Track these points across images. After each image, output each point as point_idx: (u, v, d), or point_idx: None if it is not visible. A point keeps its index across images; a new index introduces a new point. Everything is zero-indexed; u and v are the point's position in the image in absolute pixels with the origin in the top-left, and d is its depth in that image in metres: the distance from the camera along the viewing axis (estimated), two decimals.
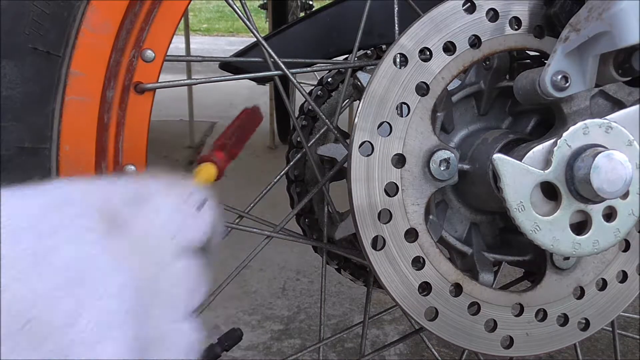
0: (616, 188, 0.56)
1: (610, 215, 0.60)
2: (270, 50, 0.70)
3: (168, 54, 0.63)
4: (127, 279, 0.32)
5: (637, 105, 0.61)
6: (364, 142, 0.61)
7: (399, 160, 0.62)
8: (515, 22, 0.64)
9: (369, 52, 1.01)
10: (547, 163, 0.58)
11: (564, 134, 0.58)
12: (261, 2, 4.21)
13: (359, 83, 0.84)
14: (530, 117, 0.72)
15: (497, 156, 0.57)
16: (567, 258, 0.68)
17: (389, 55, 0.61)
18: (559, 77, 0.59)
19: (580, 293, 0.69)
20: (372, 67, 0.78)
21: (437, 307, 0.64)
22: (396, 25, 0.73)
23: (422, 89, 0.62)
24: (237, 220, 0.72)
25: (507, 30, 0.64)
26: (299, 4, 3.40)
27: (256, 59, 0.73)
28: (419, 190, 0.62)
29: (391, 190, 0.62)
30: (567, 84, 0.59)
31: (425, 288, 0.64)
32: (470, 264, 0.69)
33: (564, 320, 0.69)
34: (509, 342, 0.67)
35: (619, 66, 0.61)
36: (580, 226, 0.60)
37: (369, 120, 0.61)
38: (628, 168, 0.56)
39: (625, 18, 0.55)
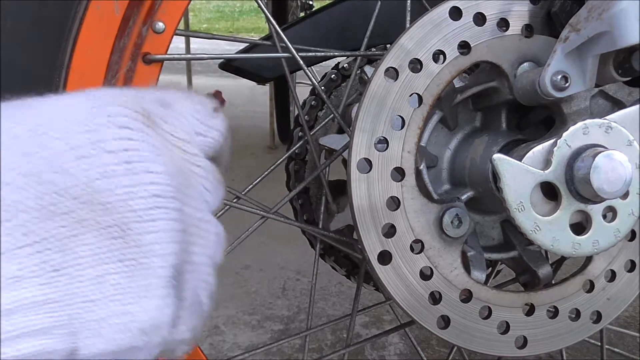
0: (616, 188, 0.56)
1: (610, 215, 0.61)
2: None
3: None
4: (167, 167, 0.35)
5: (637, 105, 0.61)
6: (363, 159, 0.61)
7: (399, 173, 0.63)
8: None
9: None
10: (547, 163, 0.58)
11: (564, 134, 0.58)
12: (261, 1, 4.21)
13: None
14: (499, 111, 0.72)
15: (497, 156, 0.58)
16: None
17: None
18: (559, 77, 0.59)
19: (590, 287, 0.70)
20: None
21: (449, 315, 0.65)
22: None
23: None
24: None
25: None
26: (299, 4, 3.40)
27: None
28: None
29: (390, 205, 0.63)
30: (567, 84, 0.59)
31: (436, 299, 0.64)
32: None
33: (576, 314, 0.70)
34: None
35: (619, 66, 0.61)
36: (580, 226, 0.61)
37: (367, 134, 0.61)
38: (628, 168, 0.56)
39: (625, 18, 0.55)
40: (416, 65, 0.61)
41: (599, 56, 0.59)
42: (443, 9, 0.61)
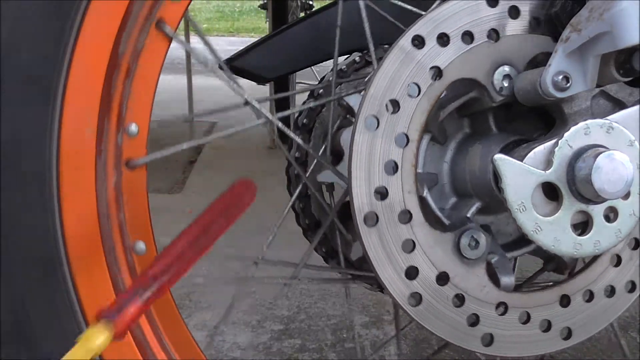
0: (617, 188, 0.56)
1: (611, 215, 0.60)
2: (258, 106, 0.69)
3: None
4: None
5: (638, 106, 0.61)
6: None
7: (405, 215, 0.63)
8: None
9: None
10: (548, 163, 0.58)
11: (565, 135, 0.58)
12: (261, 2, 4.21)
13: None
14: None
15: (498, 156, 0.57)
16: None
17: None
18: (560, 77, 0.59)
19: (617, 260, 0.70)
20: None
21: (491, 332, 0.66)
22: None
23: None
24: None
25: None
26: (299, 4, 3.40)
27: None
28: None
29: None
30: (568, 84, 0.59)
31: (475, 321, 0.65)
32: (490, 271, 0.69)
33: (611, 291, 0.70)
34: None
35: (620, 66, 0.61)
36: (582, 227, 0.60)
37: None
38: (629, 168, 0.56)
39: (626, 18, 0.56)
40: (394, 105, 0.60)
41: (600, 56, 0.59)
42: (406, 41, 0.60)
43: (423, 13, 0.62)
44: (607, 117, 0.59)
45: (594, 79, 0.60)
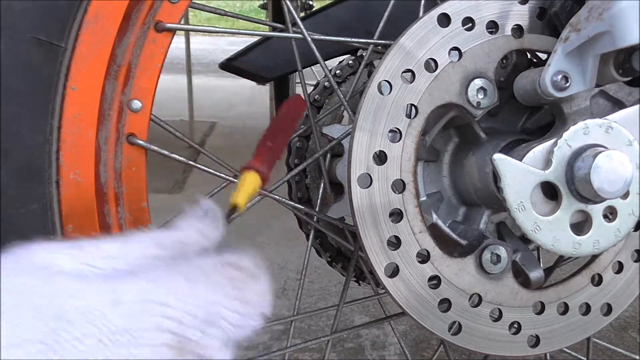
0: (616, 188, 0.56)
1: (610, 215, 0.61)
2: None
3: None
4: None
5: (638, 105, 0.61)
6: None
7: (424, 255, 0.63)
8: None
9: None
10: (547, 163, 0.58)
11: (565, 134, 0.58)
12: (261, 2, 4.21)
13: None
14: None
15: (498, 156, 0.57)
16: None
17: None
18: (559, 77, 0.59)
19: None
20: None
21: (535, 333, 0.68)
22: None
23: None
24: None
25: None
26: (299, 3, 3.40)
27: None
28: None
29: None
30: (568, 84, 0.59)
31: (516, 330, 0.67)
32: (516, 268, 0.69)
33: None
34: None
35: (619, 66, 0.61)
36: (581, 226, 0.61)
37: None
38: (628, 168, 0.56)
39: (625, 18, 0.55)
40: (381, 157, 0.60)
41: (599, 56, 0.59)
42: (372, 89, 0.59)
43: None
44: (606, 117, 0.59)
45: (593, 79, 0.60)
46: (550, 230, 0.58)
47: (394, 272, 0.61)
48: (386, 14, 0.74)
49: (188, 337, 0.36)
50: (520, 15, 0.63)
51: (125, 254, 0.38)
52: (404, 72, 0.60)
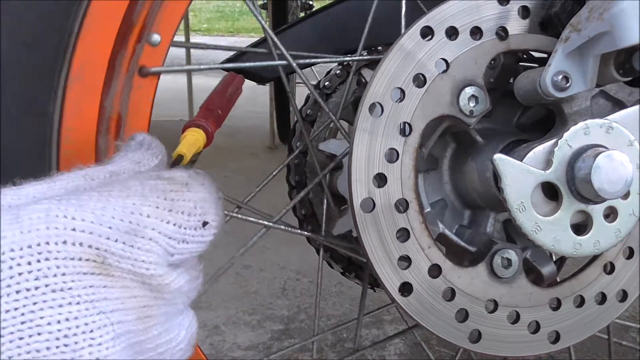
0: (617, 188, 0.56)
1: (611, 215, 0.60)
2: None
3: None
4: (121, 319, 0.33)
5: (638, 106, 0.61)
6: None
7: (435, 270, 0.63)
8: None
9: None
10: (547, 163, 0.58)
11: (565, 134, 0.58)
12: (261, 2, 4.21)
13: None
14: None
15: (498, 156, 0.57)
16: None
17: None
18: (560, 77, 0.59)
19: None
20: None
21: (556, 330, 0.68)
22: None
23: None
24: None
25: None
26: (299, 4, 3.40)
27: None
28: None
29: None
30: (568, 84, 0.59)
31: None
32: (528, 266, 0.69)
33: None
34: None
35: (619, 66, 0.61)
36: (581, 226, 0.60)
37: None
38: (629, 168, 0.56)
39: (625, 18, 0.55)
40: (381, 178, 0.60)
41: (599, 56, 0.59)
42: (364, 112, 0.59)
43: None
44: (607, 117, 0.59)
45: (594, 79, 0.60)
46: (551, 230, 0.58)
47: (407, 290, 0.61)
48: (367, 27, 0.74)
49: (108, 250, 0.33)
50: (503, 16, 0.62)
51: (48, 191, 0.35)
52: (394, 90, 0.60)
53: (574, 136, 0.58)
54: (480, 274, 0.64)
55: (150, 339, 0.35)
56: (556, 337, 0.67)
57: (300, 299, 1.73)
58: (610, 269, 0.69)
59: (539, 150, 0.58)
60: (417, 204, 0.61)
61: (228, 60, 1.10)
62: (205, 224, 0.38)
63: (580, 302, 0.68)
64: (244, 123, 3.67)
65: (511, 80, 0.71)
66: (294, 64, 0.69)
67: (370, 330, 1.57)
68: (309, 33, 1.05)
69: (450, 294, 0.63)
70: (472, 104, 0.62)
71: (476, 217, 0.72)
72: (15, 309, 0.29)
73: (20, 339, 0.29)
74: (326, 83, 0.99)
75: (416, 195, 0.61)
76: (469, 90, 0.61)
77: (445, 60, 0.61)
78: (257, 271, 1.87)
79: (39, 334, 0.29)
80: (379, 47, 0.99)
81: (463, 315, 0.63)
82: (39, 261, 0.30)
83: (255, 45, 1.05)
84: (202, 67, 0.73)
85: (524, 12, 0.63)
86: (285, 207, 0.75)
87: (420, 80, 0.60)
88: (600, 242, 0.60)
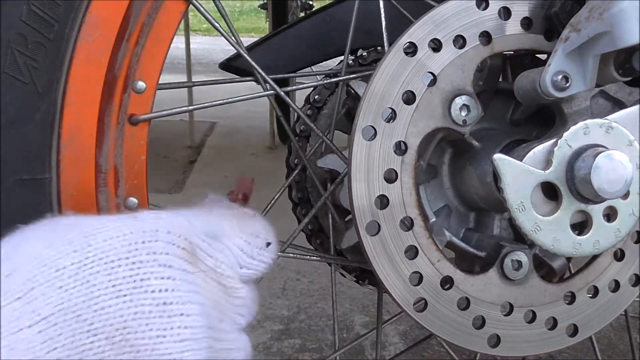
0: (617, 188, 0.56)
1: (610, 215, 0.60)
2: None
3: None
4: (202, 307, 0.38)
5: (638, 106, 0.61)
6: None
7: (447, 282, 0.64)
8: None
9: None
10: (547, 163, 0.58)
11: (565, 134, 0.58)
12: (261, 2, 4.21)
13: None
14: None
15: (498, 156, 0.57)
16: None
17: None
18: (560, 77, 0.59)
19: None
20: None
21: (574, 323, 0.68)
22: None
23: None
24: None
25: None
26: (299, 3, 3.40)
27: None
28: None
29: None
30: (568, 84, 0.59)
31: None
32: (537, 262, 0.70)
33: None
34: None
35: (619, 66, 0.61)
36: (581, 226, 0.61)
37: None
38: (628, 168, 0.56)
39: (625, 18, 0.55)
40: (382, 201, 0.60)
41: (599, 56, 0.59)
42: (357, 137, 0.59)
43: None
44: (607, 117, 0.59)
45: (594, 79, 0.60)
46: (551, 230, 0.58)
47: (423, 306, 0.62)
48: (349, 38, 0.74)
49: (197, 245, 0.39)
50: (484, 21, 0.62)
51: None
52: (387, 110, 0.60)
53: (573, 136, 0.58)
54: (492, 279, 0.64)
55: (221, 331, 0.40)
56: (574, 330, 0.68)
57: (300, 299, 1.73)
58: (620, 255, 0.70)
59: (539, 150, 0.58)
60: (421, 219, 0.61)
61: (228, 60, 1.10)
62: (268, 244, 0.46)
63: (595, 292, 0.69)
64: (244, 123, 3.67)
65: (500, 79, 0.72)
66: (282, 93, 0.68)
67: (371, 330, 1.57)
68: (303, 36, 1.05)
69: (465, 303, 0.63)
70: (464, 113, 0.62)
71: (482, 219, 0.72)
72: (130, 275, 0.35)
73: (131, 301, 0.34)
74: (316, 97, 1.00)
75: (420, 211, 0.61)
76: (459, 101, 0.61)
77: (432, 74, 0.61)
78: None
79: (144, 298, 0.35)
80: (378, 48, 0.99)
81: (480, 322, 0.64)
82: (150, 241, 0.37)
83: (252, 47, 1.05)
84: (191, 107, 0.76)
85: (506, 13, 0.63)
86: (292, 233, 0.75)
87: (409, 97, 0.60)
88: (600, 242, 0.60)
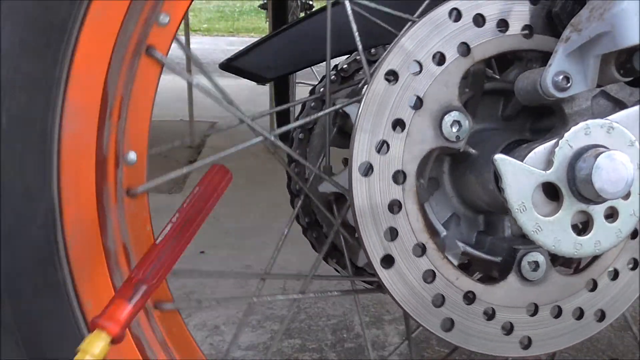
0: (618, 188, 0.56)
1: (611, 215, 0.60)
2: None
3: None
4: None
5: (639, 106, 0.61)
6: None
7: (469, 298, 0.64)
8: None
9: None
10: (548, 163, 0.58)
11: (566, 135, 0.58)
12: (261, 2, 4.21)
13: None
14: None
15: (499, 156, 0.57)
16: None
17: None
18: (561, 77, 0.59)
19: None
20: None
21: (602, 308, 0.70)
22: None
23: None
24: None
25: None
26: (299, 4, 3.39)
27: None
28: None
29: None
30: (569, 84, 0.59)
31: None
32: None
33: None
34: None
35: (620, 66, 0.61)
36: (582, 227, 0.60)
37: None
38: (630, 168, 0.56)
39: (626, 18, 0.55)
40: (392, 233, 0.61)
41: (600, 56, 0.59)
42: (355, 175, 0.59)
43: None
44: (608, 117, 0.59)
45: (595, 79, 0.60)
46: (552, 230, 0.58)
47: (450, 326, 0.62)
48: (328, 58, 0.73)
49: None
50: (460, 32, 0.61)
51: None
52: (377, 144, 0.59)
53: (574, 136, 0.58)
54: (512, 285, 0.65)
55: None
56: (602, 315, 0.69)
57: (300, 299, 1.73)
58: (633, 234, 0.70)
59: (540, 150, 0.58)
60: (433, 242, 0.62)
61: (228, 60, 1.10)
62: None
63: (615, 274, 0.69)
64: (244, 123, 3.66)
65: (485, 82, 0.71)
66: (272, 138, 0.67)
67: (370, 330, 1.57)
68: (289, 44, 1.05)
69: (491, 312, 0.64)
70: (455, 130, 0.61)
71: (491, 220, 0.72)
72: None
73: None
74: (299, 136, 1.01)
75: (430, 234, 0.62)
76: (448, 118, 0.61)
77: (418, 96, 0.60)
78: (257, 271, 1.87)
79: None
80: (372, 50, 0.99)
81: (509, 327, 0.65)
82: None
83: (248, 49, 1.05)
84: (184, 169, 0.67)
85: (481, 20, 0.62)
86: (313, 264, 0.75)
87: (399, 125, 0.60)
88: (601, 243, 0.60)
